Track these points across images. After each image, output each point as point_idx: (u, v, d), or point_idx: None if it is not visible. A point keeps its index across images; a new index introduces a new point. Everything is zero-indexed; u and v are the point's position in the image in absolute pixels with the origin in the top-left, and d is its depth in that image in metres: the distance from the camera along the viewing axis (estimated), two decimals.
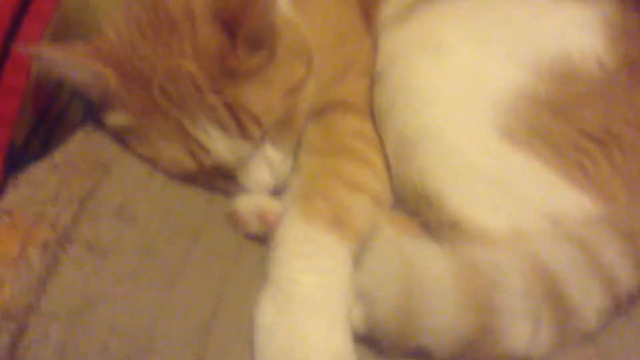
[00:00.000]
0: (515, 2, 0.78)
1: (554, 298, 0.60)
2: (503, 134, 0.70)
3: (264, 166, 0.77)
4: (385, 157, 0.78)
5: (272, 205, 0.74)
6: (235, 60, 0.71)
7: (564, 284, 0.61)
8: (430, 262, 0.61)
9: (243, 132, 0.73)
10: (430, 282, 0.59)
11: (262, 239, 0.72)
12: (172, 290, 0.63)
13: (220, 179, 0.78)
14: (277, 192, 0.78)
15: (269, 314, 0.60)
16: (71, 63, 0.72)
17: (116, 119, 0.75)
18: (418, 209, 0.74)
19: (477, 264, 0.62)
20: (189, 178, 0.77)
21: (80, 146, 0.74)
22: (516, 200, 0.69)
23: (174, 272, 0.64)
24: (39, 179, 0.67)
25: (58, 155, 0.72)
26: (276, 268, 0.63)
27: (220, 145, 0.73)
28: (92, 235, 0.63)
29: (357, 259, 0.67)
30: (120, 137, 0.77)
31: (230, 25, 0.70)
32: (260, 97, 0.73)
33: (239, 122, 0.72)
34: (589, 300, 0.62)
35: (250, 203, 0.75)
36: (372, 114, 0.81)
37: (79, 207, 0.65)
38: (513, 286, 0.60)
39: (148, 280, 0.62)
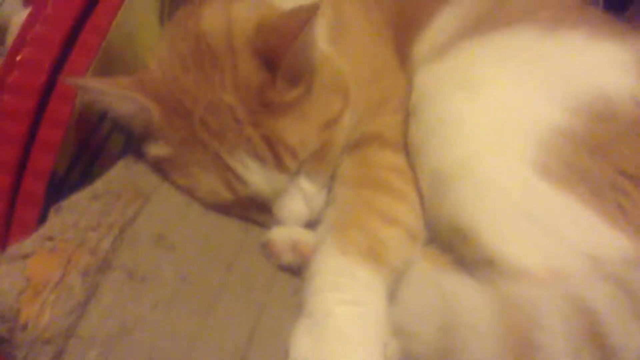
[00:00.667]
0: (550, 40, 0.78)
1: (594, 338, 0.59)
2: (540, 171, 0.69)
3: (299, 198, 0.78)
4: (419, 192, 0.78)
5: (306, 237, 0.75)
6: (274, 94, 0.72)
7: (605, 324, 0.59)
8: (469, 297, 0.61)
9: (279, 164, 0.74)
10: (469, 318, 0.58)
11: (296, 270, 0.72)
12: (208, 317, 0.63)
13: (255, 210, 0.79)
14: (311, 224, 0.79)
15: (305, 345, 0.60)
16: (116, 95, 0.74)
17: (157, 149, 0.77)
18: (452, 245, 0.73)
19: (517, 301, 0.61)
20: (225, 208, 0.78)
21: (121, 176, 0.76)
22: (554, 239, 0.68)
23: (210, 299, 0.64)
24: (81, 206, 0.69)
25: (99, 184, 0.73)
26: (311, 299, 0.63)
27: (257, 176, 0.74)
28: (131, 262, 0.64)
29: (392, 293, 0.66)
30: (160, 167, 0.79)
31: (270, 60, 0.72)
32: (297, 130, 0.74)
33: (276, 155, 0.74)
34: (630, 341, 0.59)
35: (285, 234, 0.75)
36: (406, 149, 0.81)
37: (119, 235, 0.66)
38: (553, 325, 0.59)
39: (184, 307, 0.63)
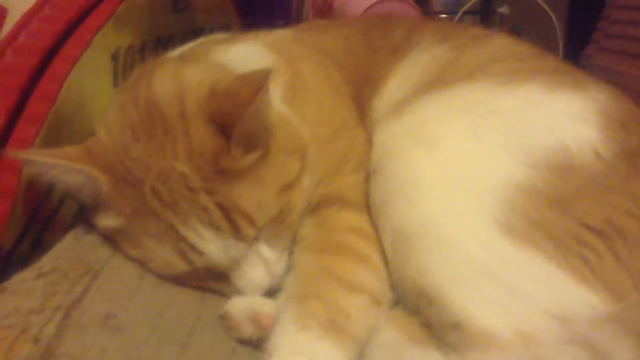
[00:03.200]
0: (507, 94, 0.78)
1: None
2: (502, 228, 0.68)
3: (259, 266, 0.75)
4: (383, 252, 0.76)
5: (266, 307, 0.72)
6: (229, 161, 0.70)
7: None
8: None
9: (236, 232, 0.71)
10: None
11: (256, 343, 0.69)
12: None
13: (213, 280, 0.76)
14: (273, 292, 0.76)
15: None
16: (62, 167, 0.71)
17: (107, 220, 0.74)
18: (419, 308, 0.71)
19: None
20: (181, 279, 0.75)
21: (69, 250, 0.73)
22: (520, 300, 0.66)
23: None
24: (25, 288, 0.65)
25: (45, 261, 0.70)
26: None
27: (213, 246, 0.71)
28: (76, 349, 0.60)
29: None
30: (112, 238, 0.76)
31: (224, 127, 0.70)
32: (253, 197, 0.72)
33: (232, 223, 0.71)
34: None
35: (243, 305, 0.72)
36: (368, 208, 0.79)
37: (65, 318, 0.63)
38: None
39: None
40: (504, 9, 2.35)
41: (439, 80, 0.85)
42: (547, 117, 0.75)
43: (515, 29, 2.31)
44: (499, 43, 0.94)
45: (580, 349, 0.61)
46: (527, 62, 0.90)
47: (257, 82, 0.68)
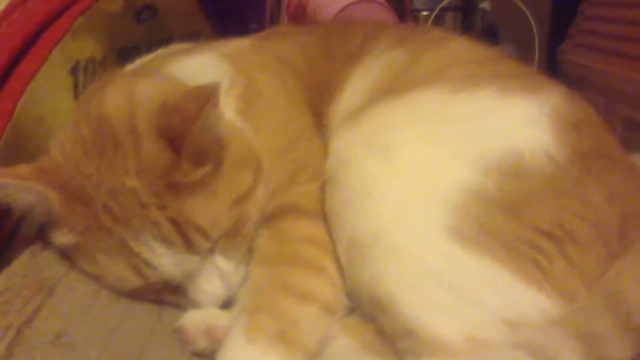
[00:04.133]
0: (461, 99, 0.78)
1: None
2: (453, 234, 0.68)
3: (215, 278, 0.75)
4: (338, 261, 0.76)
5: (221, 320, 0.72)
6: (180, 175, 0.70)
7: None
8: None
9: (189, 246, 0.72)
10: None
11: (211, 356, 0.69)
12: None
13: (168, 294, 0.76)
14: (229, 303, 0.76)
15: None
16: (13, 186, 0.71)
17: (61, 237, 0.74)
18: (373, 315, 0.71)
19: None
20: (137, 294, 0.75)
21: (24, 268, 0.73)
22: (471, 305, 0.66)
23: None
24: None
25: (0, 280, 0.70)
26: None
27: (166, 260, 0.72)
28: None
29: None
30: (67, 255, 0.76)
31: (174, 142, 0.70)
32: (206, 210, 0.72)
33: (185, 237, 0.71)
34: None
35: (198, 318, 0.73)
36: (324, 217, 0.80)
37: (15, 337, 0.63)
38: None
39: None
40: (485, 5, 2.35)
41: (395, 86, 0.85)
42: (500, 122, 0.75)
43: (493, 26, 2.31)
44: (457, 46, 0.95)
45: (528, 354, 0.62)
46: (483, 66, 0.91)
47: (204, 96, 0.69)
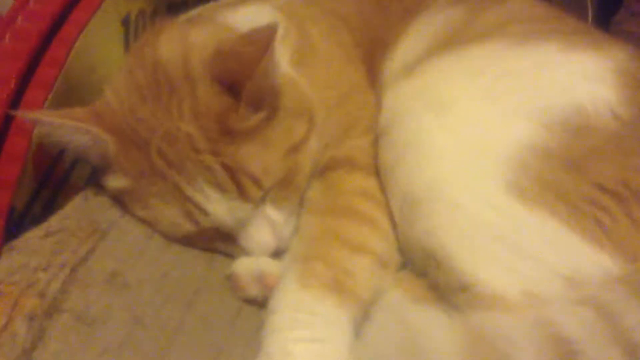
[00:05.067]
0: (521, 53, 0.76)
1: None
2: (513, 190, 0.66)
3: (266, 228, 0.75)
4: (391, 215, 0.75)
5: (272, 268, 0.72)
6: (236, 121, 0.70)
7: (582, 353, 0.56)
8: (436, 334, 0.57)
9: (242, 193, 0.71)
10: (436, 358, 0.55)
11: (262, 303, 0.69)
12: None
13: (220, 241, 0.76)
14: (280, 253, 0.76)
15: None
16: (70, 128, 0.72)
17: (115, 181, 0.75)
18: (426, 270, 0.70)
19: (487, 335, 0.57)
20: (187, 240, 0.75)
21: (78, 211, 0.73)
22: (529, 261, 0.64)
23: (165, 342, 0.61)
24: (33, 246, 0.66)
25: (54, 221, 0.71)
26: (269, 338, 0.60)
27: (219, 207, 0.71)
28: (80, 305, 0.61)
29: (361, 325, 0.63)
30: (120, 199, 0.76)
31: (232, 86, 0.70)
32: (260, 158, 0.72)
33: (238, 184, 0.71)
34: None
35: (250, 266, 0.72)
36: (377, 171, 0.79)
37: (71, 275, 0.64)
38: (526, 357, 0.55)
39: (137, 351, 0.60)
40: None
41: (452, 42, 0.83)
42: (563, 77, 0.73)
43: None
44: (517, 4, 0.91)
45: (589, 311, 0.59)
46: (544, 23, 0.87)
47: (264, 41, 0.67)
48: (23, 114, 0.74)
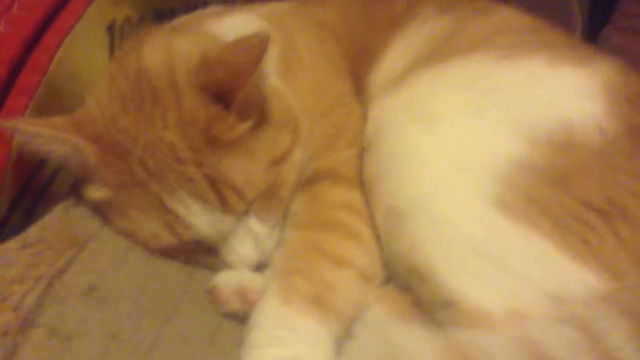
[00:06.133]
0: (509, 67, 0.75)
1: None
2: (498, 206, 0.66)
3: (248, 240, 0.74)
4: (375, 229, 0.74)
5: (254, 282, 0.71)
6: (222, 130, 0.69)
7: None
8: (418, 353, 0.56)
9: (225, 205, 0.70)
10: None
11: (243, 318, 0.68)
12: None
13: (201, 254, 0.75)
14: (262, 267, 0.75)
15: None
16: (49, 137, 0.70)
17: (95, 192, 0.74)
18: (410, 285, 0.69)
19: (470, 353, 0.56)
20: (168, 253, 0.74)
21: (57, 222, 0.72)
22: (514, 277, 0.64)
23: (141, 358, 0.60)
24: (9, 257, 0.65)
25: (32, 231, 0.69)
26: (248, 355, 0.59)
27: (201, 219, 0.70)
28: (56, 319, 0.60)
29: (344, 342, 0.62)
30: (100, 210, 0.75)
31: (222, 96, 0.69)
32: (243, 170, 0.71)
33: (221, 196, 0.70)
34: None
35: (231, 279, 0.71)
36: (362, 184, 0.78)
37: (46, 288, 0.62)
38: None
39: None
40: None
41: (439, 54, 0.82)
42: (550, 92, 0.72)
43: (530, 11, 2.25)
44: (504, 15, 0.91)
45: (573, 329, 0.58)
46: (532, 35, 0.87)
47: (255, 50, 0.66)
48: (2, 123, 0.72)
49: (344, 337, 0.64)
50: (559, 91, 0.72)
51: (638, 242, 0.65)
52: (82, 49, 0.87)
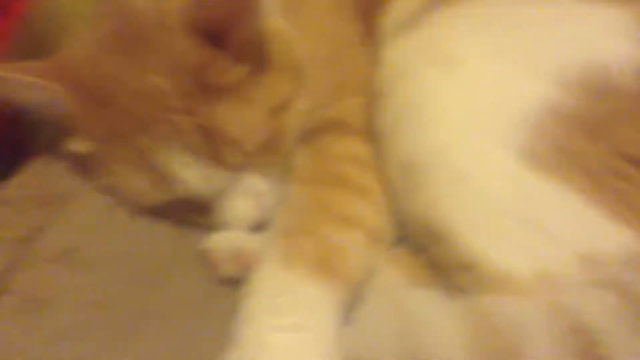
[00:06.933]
0: (535, 4, 0.68)
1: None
2: (526, 158, 0.60)
3: (247, 197, 0.69)
4: (386, 185, 0.69)
5: (251, 244, 0.66)
6: (216, 74, 0.64)
7: (603, 342, 0.51)
8: (439, 322, 0.52)
9: (220, 159, 0.65)
10: (438, 349, 0.50)
11: (239, 284, 0.62)
12: (125, 349, 0.53)
13: (193, 213, 0.69)
14: (261, 227, 0.69)
15: None
16: (24, 83, 0.65)
17: (76, 144, 0.68)
18: (425, 246, 0.64)
19: (495, 322, 0.52)
20: (156, 212, 0.69)
21: (35, 179, 0.66)
22: (544, 237, 0.58)
23: (127, 327, 0.55)
24: None
25: (10, 189, 0.63)
26: (243, 326, 0.54)
27: (193, 174, 0.65)
28: (29, 286, 0.54)
29: (351, 308, 0.57)
30: (81, 165, 0.70)
31: (216, 35, 0.63)
32: (240, 118, 0.65)
33: (215, 148, 0.64)
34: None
35: (226, 241, 0.67)
36: (371, 136, 0.72)
37: (21, 250, 0.56)
38: (539, 349, 0.50)
39: (94, 338, 0.54)
40: None
41: None
42: (583, 30, 0.66)
43: None
44: None
45: (610, 293, 0.54)
46: None
47: None
48: None
49: (351, 302, 0.58)
50: (593, 29, 0.66)
51: None
52: None
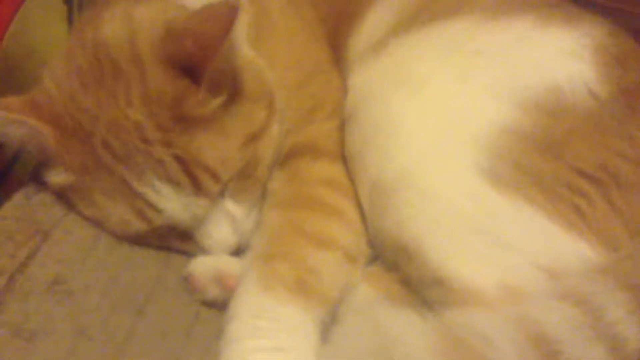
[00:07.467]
0: (494, 30, 0.71)
1: None
2: (487, 176, 0.63)
3: (225, 223, 0.70)
4: (359, 206, 0.71)
5: (232, 267, 0.68)
6: (191, 107, 0.64)
7: (564, 352, 0.53)
8: (410, 338, 0.54)
9: (198, 188, 0.66)
10: None
11: (222, 306, 0.64)
12: None
13: (175, 239, 0.71)
14: (240, 251, 0.71)
15: None
16: (3, 119, 0.65)
17: (56, 177, 0.69)
18: (397, 264, 0.67)
19: (463, 335, 0.54)
20: (139, 239, 0.70)
21: (18, 210, 0.67)
22: (506, 251, 0.61)
23: (113, 354, 0.56)
24: None
25: None
26: (227, 348, 0.56)
27: (173, 203, 0.66)
28: (19, 317, 0.55)
29: (329, 327, 0.60)
30: (64, 196, 0.71)
31: (190, 69, 0.64)
32: (216, 148, 0.66)
33: (193, 178, 0.65)
34: None
35: (208, 265, 0.68)
36: (344, 158, 0.74)
37: (8, 284, 0.58)
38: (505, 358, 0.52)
39: None
40: None
41: (422, 16, 0.78)
42: (537, 54, 0.69)
43: None
44: None
45: (570, 305, 0.56)
46: None
47: (224, 17, 0.62)
48: None
49: (329, 321, 0.61)
50: (547, 53, 0.69)
51: (632, 210, 0.63)
52: (38, 21, 0.82)
